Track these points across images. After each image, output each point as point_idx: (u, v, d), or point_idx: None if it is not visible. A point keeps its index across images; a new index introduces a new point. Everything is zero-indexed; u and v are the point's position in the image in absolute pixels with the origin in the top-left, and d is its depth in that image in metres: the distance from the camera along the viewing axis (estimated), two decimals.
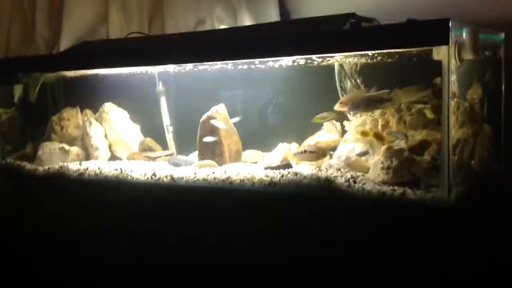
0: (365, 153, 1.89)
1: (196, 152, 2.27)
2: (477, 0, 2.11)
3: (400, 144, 1.76)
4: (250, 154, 2.26)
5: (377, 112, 1.93)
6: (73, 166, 2.27)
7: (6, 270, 2.32)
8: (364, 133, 1.91)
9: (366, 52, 1.80)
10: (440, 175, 1.58)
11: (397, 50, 1.75)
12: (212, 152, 2.18)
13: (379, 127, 1.91)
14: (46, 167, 2.32)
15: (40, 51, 2.75)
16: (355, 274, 1.67)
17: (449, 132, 1.55)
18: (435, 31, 1.53)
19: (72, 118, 2.53)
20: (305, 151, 1.95)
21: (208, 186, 1.94)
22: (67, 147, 2.43)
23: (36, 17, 2.73)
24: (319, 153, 1.93)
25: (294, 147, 2.12)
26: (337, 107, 1.95)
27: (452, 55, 1.53)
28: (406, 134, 1.78)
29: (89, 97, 2.59)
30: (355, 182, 1.72)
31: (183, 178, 2.00)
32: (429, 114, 1.80)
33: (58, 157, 2.40)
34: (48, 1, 2.73)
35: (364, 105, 1.85)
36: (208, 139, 2.16)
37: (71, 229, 2.20)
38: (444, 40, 1.50)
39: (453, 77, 1.57)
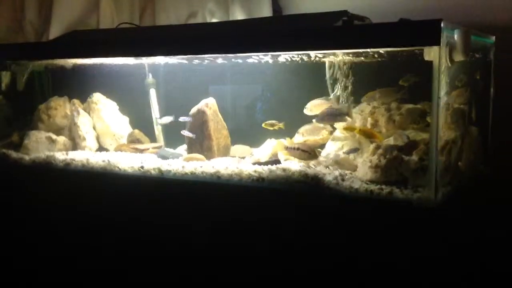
0: (355, 150, 1.89)
1: (184, 146, 2.27)
2: (469, 3, 2.12)
3: (388, 143, 1.77)
4: (238, 149, 2.26)
5: (367, 111, 1.94)
6: (60, 156, 2.25)
7: None
8: (348, 129, 1.92)
9: (357, 50, 1.81)
10: (427, 175, 1.59)
11: (388, 49, 1.76)
12: (200, 145, 2.17)
13: (368, 125, 1.91)
14: (33, 156, 2.29)
15: (29, 39, 2.72)
16: (339, 271, 1.68)
17: (438, 133, 1.56)
18: (427, 31, 1.53)
19: (60, 107, 2.51)
20: (298, 148, 1.94)
21: (196, 180, 1.94)
22: (54, 136, 2.41)
23: (25, 5, 2.70)
24: (311, 154, 1.91)
25: (284, 142, 2.12)
26: (305, 111, 2.05)
27: (443, 56, 1.54)
28: (408, 136, 1.80)
29: (77, 86, 2.56)
30: (343, 179, 1.73)
31: (170, 171, 1.99)
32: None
33: (45, 146, 2.38)
34: None
35: (328, 117, 1.99)
36: (186, 133, 2.17)
37: (57, 219, 2.18)
38: (435, 41, 1.51)
39: (443, 78, 1.58)
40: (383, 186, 1.65)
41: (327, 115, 1.98)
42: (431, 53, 1.54)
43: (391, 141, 1.78)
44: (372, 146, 1.79)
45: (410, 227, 1.57)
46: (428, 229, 1.54)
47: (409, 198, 1.57)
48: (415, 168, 1.66)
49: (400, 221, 1.59)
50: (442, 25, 1.49)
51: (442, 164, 1.63)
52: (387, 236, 1.60)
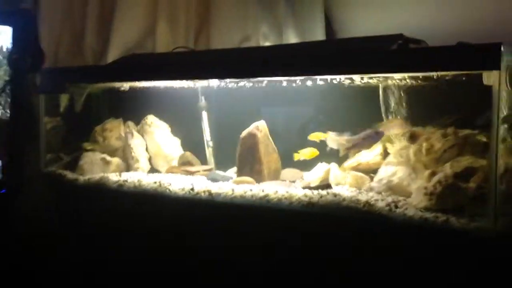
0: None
1: (234, 168, 2.26)
2: None
3: (445, 170, 1.71)
4: (289, 173, 2.24)
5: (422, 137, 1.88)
6: (113, 177, 2.29)
7: (45, 277, 2.35)
8: None
9: (412, 73, 1.77)
10: (486, 204, 1.52)
11: (445, 73, 1.71)
12: (251, 169, 2.17)
13: (423, 151, 1.85)
14: (87, 177, 2.34)
15: (88, 62, 2.80)
16: None
17: (497, 160, 1.50)
18: (486, 55, 1.48)
19: (115, 129, 2.56)
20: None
21: (245, 203, 1.93)
22: (108, 157, 2.45)
23: (86, 28, 2.78)
24: None
25: (334, 167, 2.09)
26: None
27: (503, 80, 1.49)
28: None
29: (132, 108, 2.62)
30: (396, 206, 1.68)
31: (220, 194, 1.99)
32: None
33: (99, 167, 2.42)
34: (98, 12, 2.78)
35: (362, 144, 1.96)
36: None
37: (108, 238, 2.22)
38: (495, 65, 1.46)
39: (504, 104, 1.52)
40: (439, 214, 1.59)
41: (360, 143, 1.95)
42: (490, 78, 1.49)
43: (447, 167, 1.72)
44: (427, 173, 1.74)
45: (466, 258, 1.51)
46: (486, 261, 1.47)
47: (466, 228, 1.51)
48: (473, 196, 1.60)
49: (456, 251, 1.53)
50: (502, 49, 1.44)
51: (502, 192, 1.56)
52: (442, 267, 1.54)
